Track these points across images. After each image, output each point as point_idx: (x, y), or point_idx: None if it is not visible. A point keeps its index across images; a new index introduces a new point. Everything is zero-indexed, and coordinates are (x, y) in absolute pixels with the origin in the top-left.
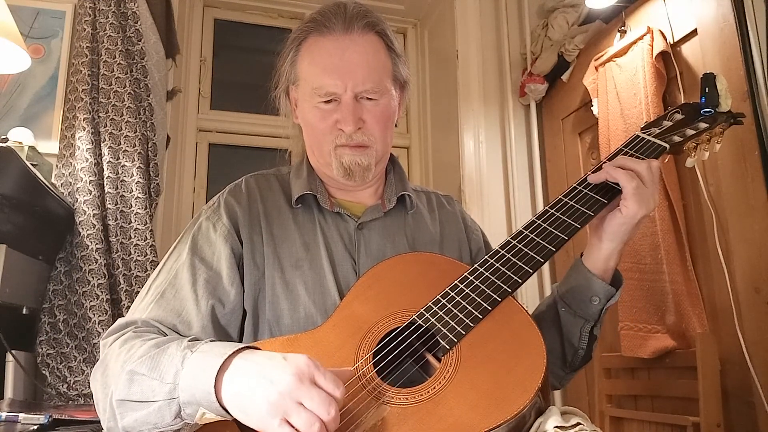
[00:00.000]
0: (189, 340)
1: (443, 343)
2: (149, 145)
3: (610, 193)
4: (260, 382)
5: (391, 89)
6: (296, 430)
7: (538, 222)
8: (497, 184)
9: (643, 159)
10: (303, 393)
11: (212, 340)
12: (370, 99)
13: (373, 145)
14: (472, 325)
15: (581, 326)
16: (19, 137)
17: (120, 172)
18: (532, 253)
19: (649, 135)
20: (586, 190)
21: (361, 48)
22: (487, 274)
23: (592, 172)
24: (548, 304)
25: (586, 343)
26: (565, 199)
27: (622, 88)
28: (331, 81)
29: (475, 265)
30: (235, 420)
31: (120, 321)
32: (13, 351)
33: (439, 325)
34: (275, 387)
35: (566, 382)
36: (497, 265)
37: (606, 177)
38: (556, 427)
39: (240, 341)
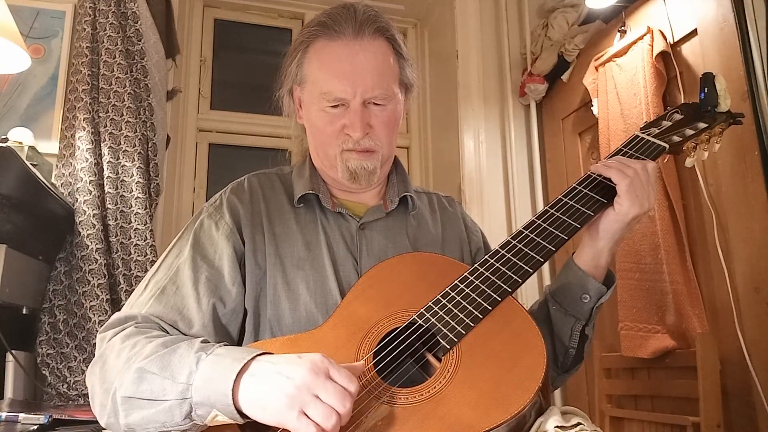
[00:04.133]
0: (201, 342)
1: (443, 342)
2: (149, 145)
3: (610, 193)
4: (277, 378)
5: (398, 93)
6: (313, 422)
7: (538, 222)
8: (497, 184)
9: (643, 159)
10: (319, 386)
11: (225, 344)
12: (378, 104)
13: (379, 149)
14: (472, 324)
15: (572, 325)
16: (19, 137)
17: (120, 172)
18: (532, 253)
19: (648, 135)
20: (585, 190)
21: (371, 54)
22: (487, 273)
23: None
24: (540, 303)
25: (576, 342)
26: (565, 199)
27: (622, 88)
28: (341, 87)
29: (476, 265)
30: (242, 425)
31: (118, 315)
32: (13, 351)
33: (439, 325)
34: (292, 381)
35: (559, 384)
36: (497, 264)
37: (599, 171)
38: (557, 426)
39: (240, 341)
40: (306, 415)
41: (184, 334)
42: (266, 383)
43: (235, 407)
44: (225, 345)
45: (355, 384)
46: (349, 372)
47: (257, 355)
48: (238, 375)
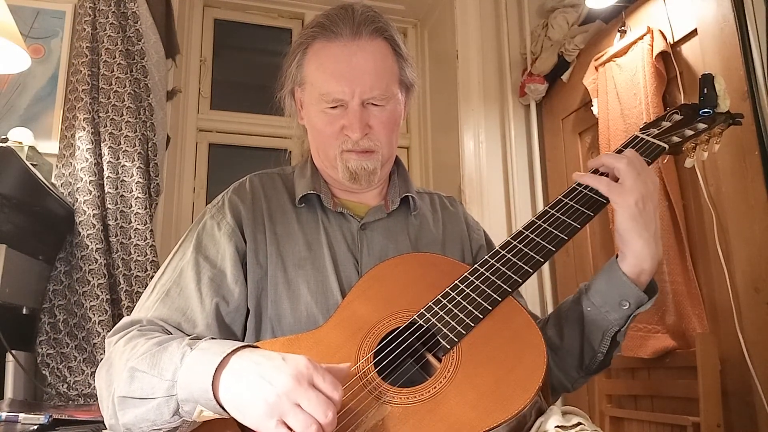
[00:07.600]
0: (190, 338)
1: (444, 342)
2: (149, 145)
3: None
4: (258, 383)
5: (398, 93)
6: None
7: (538, 222)
8: (497, 184)
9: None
10: (301, 395)
11: (212, 338)
12: (377, 105)
13: (379, 150)
14: (472, 324)
15: (605, 329)
16: (19, 137)
17: (120, 172)
18: (532, 253)
19: (648, 135)
20: (585, 191)
21: (369, 54)
22: (487, 274)
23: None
24: (573, 300)
25: (607, 347)
26: (565, 200)
27: (622, 88)
28: (339, 87)
29: (476, 265)
30: (233, 418)
31: (125, 319)
32: (13, 351)
33: (439, 325)
34: (273, 388)
35: (579, 386)
36: (497, 265)
37: (578, 180)
38: (557, 426)
39: (243, 340)
40: (285, 424)
41: (187, 335)
42: (247, 386)
43: (217, 402)
44: (212, 339)
45: (339, 392)
46: (334, 378)
47: (238, 349)
48: (217, 370)
